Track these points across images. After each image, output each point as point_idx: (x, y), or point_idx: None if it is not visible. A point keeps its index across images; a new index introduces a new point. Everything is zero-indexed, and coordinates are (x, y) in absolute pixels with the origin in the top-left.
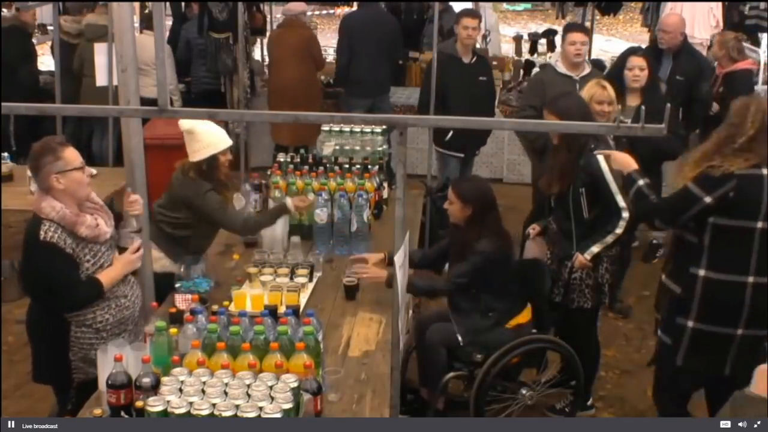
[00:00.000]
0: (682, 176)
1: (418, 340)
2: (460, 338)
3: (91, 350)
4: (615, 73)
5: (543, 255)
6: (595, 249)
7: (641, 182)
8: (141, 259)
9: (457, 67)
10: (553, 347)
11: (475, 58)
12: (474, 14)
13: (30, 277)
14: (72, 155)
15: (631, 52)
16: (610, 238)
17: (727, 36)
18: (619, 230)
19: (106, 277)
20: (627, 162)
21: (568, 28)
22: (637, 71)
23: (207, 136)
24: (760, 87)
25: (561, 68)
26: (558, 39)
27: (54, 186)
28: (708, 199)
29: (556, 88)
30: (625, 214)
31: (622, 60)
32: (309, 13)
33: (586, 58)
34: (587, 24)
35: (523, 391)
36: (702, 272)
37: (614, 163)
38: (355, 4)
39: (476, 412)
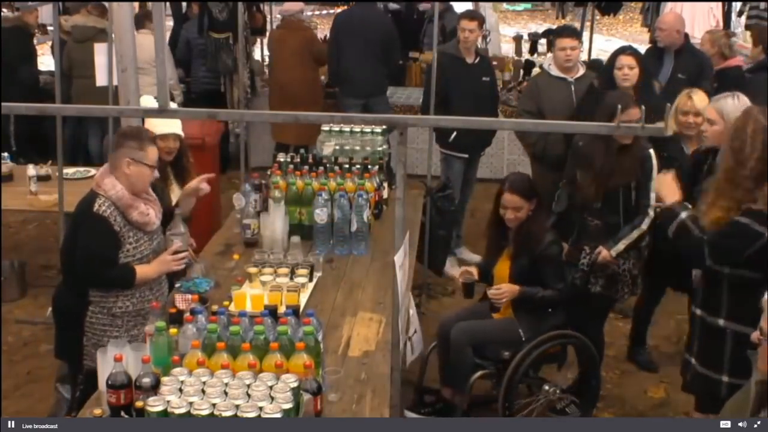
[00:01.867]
0: (708, 211)
1: (441, 341)
2: (522, 333)
3: (104, 337)
4: (606, 73)
5: None
6: (622, 246)
7: (684, 215)
8: (180, 263)
9: (460, 68)
10: (578, 343)
11: (478, 59)
12: (473, 16)
13: (71, 247)
14: (152, 153)
15: (621, 51)
16: (635, 233)
17: (718, 34)
18: (644, 226)
19: (140, 270)
20: (671, 189)
21: (558, 33)
22: (627, 70)
23: (151, 120)
24: None
25: (554, 71)
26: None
27: (122, 168)
28: None
29: (551, 91)
30: (651, 212)
31: (612, 60)
32: (309, 13)
33: (582, 59)
34: (587, 24)
35: (546, 388)
36: None
37: (658, 186)
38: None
39: (505, 407)
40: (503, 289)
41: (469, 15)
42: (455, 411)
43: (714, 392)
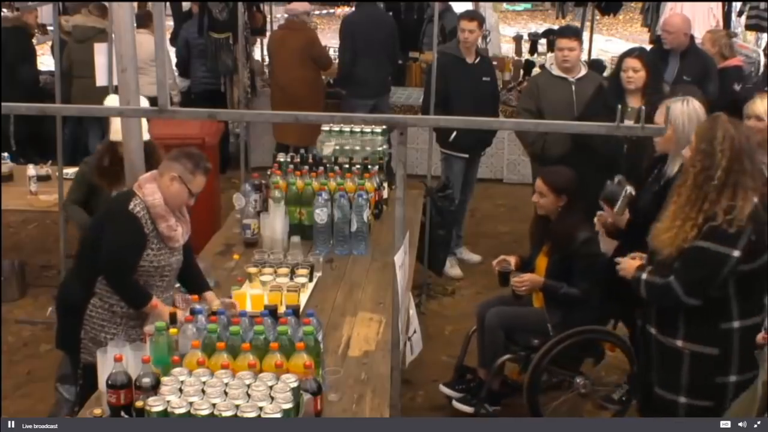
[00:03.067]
0: (669, 229)
1: (479, 323)
2: (550, 328)
3: (101, 333)
4: (613, 75)
5: (608, 248)
6: None
7: (644, 276)
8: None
9: (460, 68)
10: (608, 338)
11: (478, 59)
12: (473, 16)
13: (94, 238)
14: (199, 182)
15: (628, 53)
16: None
17: (719, 33)
18: None
19: (155, 303)
20: (627, 272)
21: (558, 33)
22: (631, 73)
23: (117, 123)
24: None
25: (556, 71)
26: None
27: (166, 179)
28: (736, 253)
29: (552, 91)
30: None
31: (619, 62)
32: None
33: (584, 59)
34: (587, 24)
35: (578, 380)
36: (737, 324)
37: (621, 270)
38: (354, 4)
39: (529, 395)
40: (525, 278)
41: (469, 15)
42: (483, 390)
43: (673, 415)
